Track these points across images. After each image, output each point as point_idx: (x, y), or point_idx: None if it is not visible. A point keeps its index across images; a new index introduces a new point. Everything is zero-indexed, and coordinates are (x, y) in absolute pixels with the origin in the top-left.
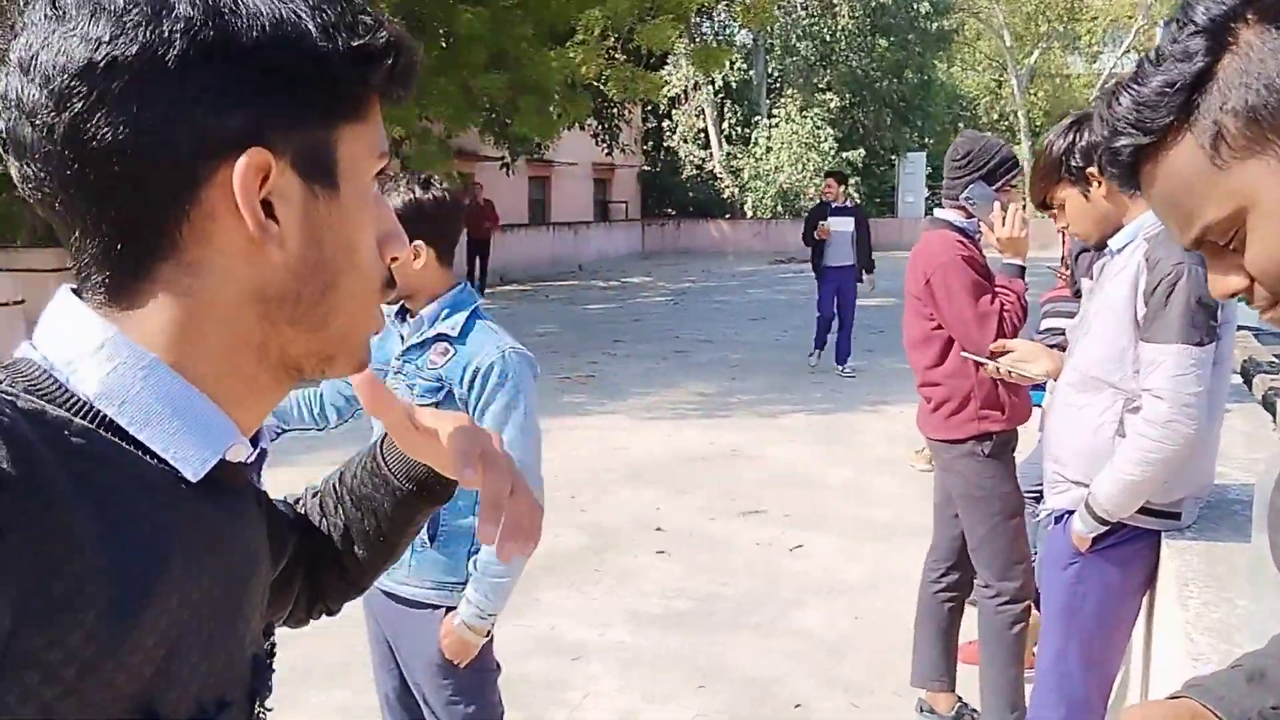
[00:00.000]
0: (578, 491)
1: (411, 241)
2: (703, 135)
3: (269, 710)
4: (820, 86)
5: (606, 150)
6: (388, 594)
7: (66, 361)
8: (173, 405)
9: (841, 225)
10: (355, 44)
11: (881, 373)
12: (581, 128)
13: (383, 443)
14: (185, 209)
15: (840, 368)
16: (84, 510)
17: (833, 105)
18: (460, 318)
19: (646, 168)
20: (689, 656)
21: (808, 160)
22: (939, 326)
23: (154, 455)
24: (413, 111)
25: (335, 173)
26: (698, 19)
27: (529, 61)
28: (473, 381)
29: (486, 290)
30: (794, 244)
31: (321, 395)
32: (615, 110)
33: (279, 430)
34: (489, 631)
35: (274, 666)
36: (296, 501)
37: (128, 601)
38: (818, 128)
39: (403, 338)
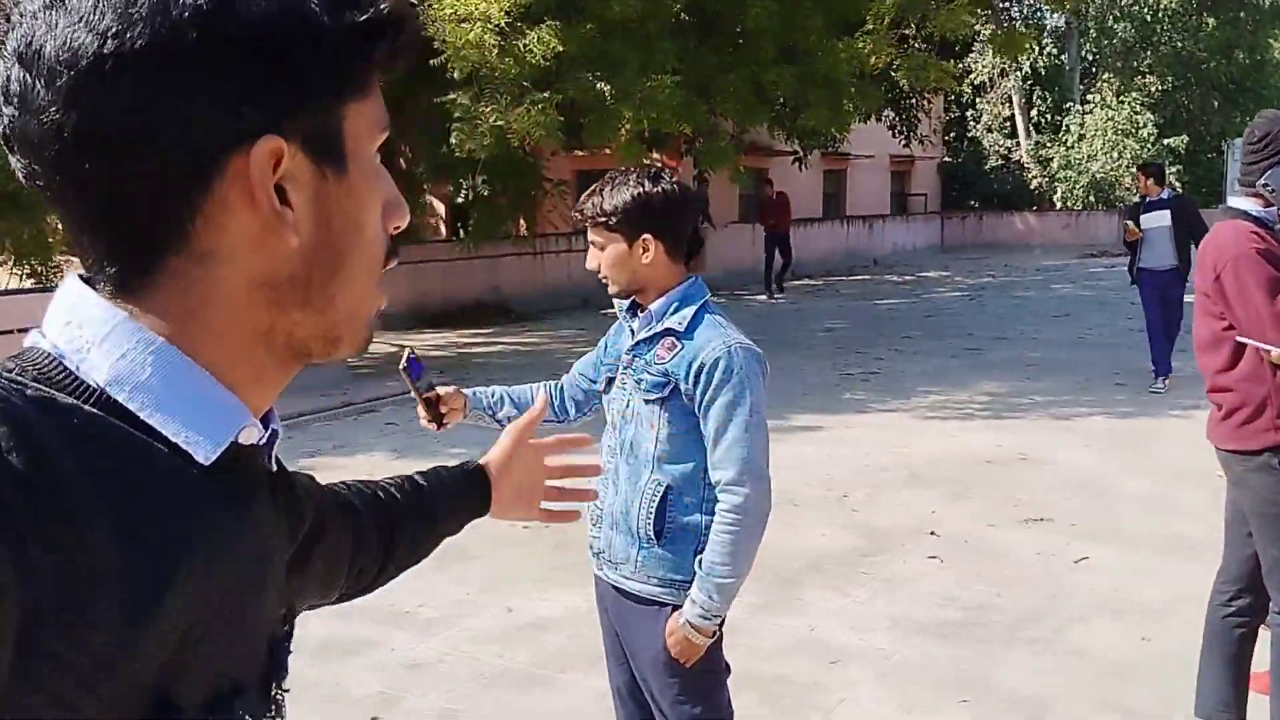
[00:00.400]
0: (850, 491)
1: (640, 236)
2: (1009, 124)
3: (286, 691)
4: (1139, 69)
5: (904, 142)
6: (616, 588)
7: (76, 350)
8: (183, 389)
9: (1155, 221)
10: (360, 19)
11: (1195, 377)
12: (877, 119)
13: (467, 471)
14: (198, 201)
15: (1157, 379)
16: (96, 502)
17: (1153, 89)
18: (689, 312)
19: (948, 159)
20: (954, 669)
21: (1124, 148)
22: (1230, 327)
23: (166, 441)
24: (700, 108)
25: (343, 152)
26: (1004, 3)
27: (818, 54)
28: (698, 377)
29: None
30: (1106, 237)
31: (562, 388)
32: (914, 101)
33: (510, 418)
34: (715, 632)
35: (290, 649)
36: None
37: (144, 593)
38: (1135, 113)
39: (633, 332)
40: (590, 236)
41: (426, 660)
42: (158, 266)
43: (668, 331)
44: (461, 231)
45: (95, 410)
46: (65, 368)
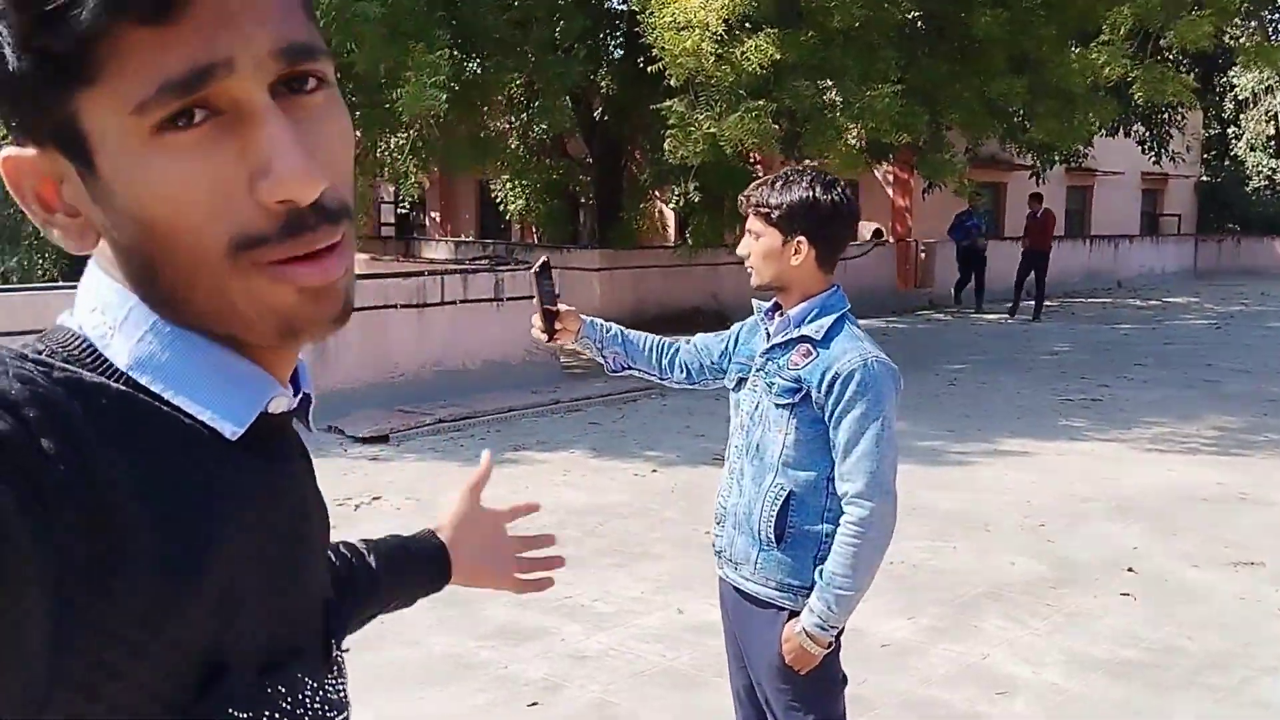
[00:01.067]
0: (1049, 520)
1: (795, 236)
2: (1274, 143)
3: (345, 651)
4: None
5: (1155, 159)
6: (735, 589)
7: (100, 334)
8: (203, 366)
9: None
10: (23, 19)
11: None
12: (1125, 134)
13: (422, 539)
14: None
15: None
16: (126, 475)
17: None
18: (827, 321)
19: (1206, 178)
20: (1127, 711)
21: None
22: None
23: (192, 419)
24: (921, 118)
25: (88, 150)
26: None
27: (1050, 64)
28: (830, 387)
29: (1000, 304)
30: None
31: (676, 349)
32: (1165, 115)
33: (624, 366)
34: (831, 643)
35: (340, 604)
36: None
37: (181, 559)
38: None
39: (768, 335)
40: (749, 224)
41: (592, 652)
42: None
43: (804, 339)
44: (688, 238)
45: (122, 388)
46: (93, 349)
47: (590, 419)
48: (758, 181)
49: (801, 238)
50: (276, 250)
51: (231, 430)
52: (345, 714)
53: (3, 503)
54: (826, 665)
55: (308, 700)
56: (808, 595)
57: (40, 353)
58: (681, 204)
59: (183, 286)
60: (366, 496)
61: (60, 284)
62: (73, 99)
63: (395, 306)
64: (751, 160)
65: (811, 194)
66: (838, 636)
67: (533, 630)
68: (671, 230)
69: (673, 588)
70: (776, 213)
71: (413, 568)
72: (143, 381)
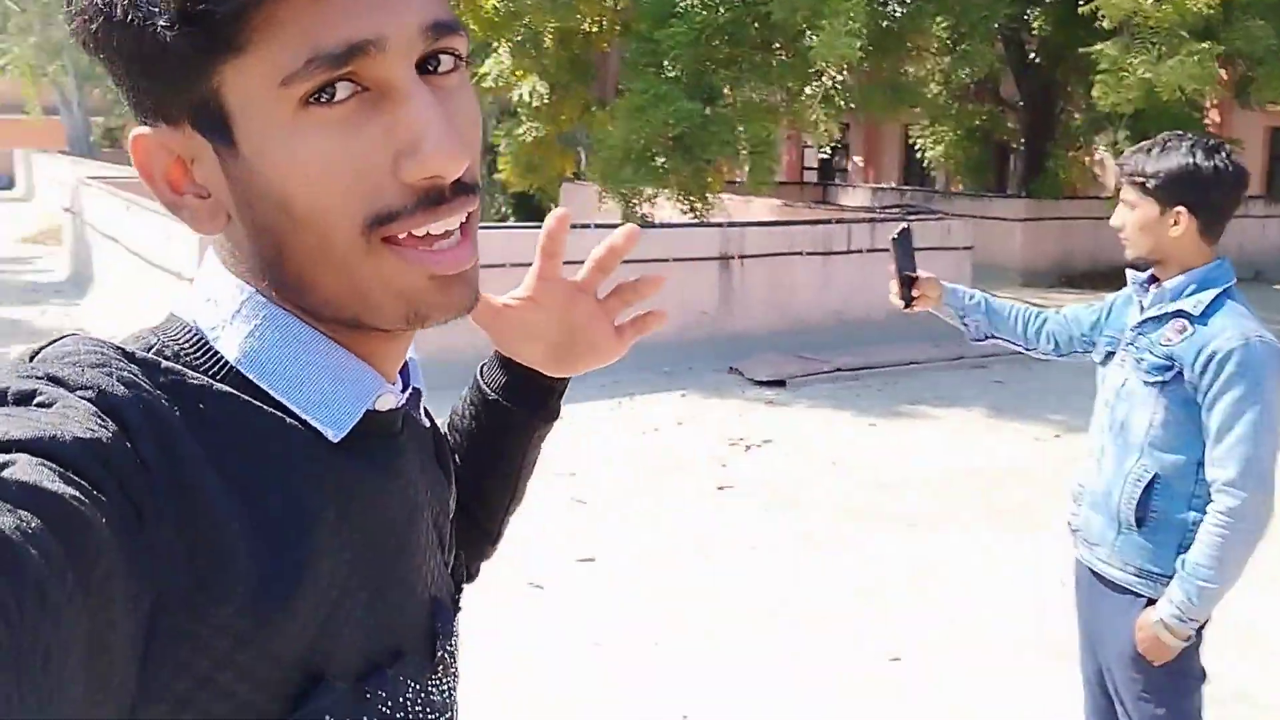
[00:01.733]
0: None
1: (1174, 207)
2: None
3: (453, 650)
4: None
5: None
6: (1091, 570)
7: (211, 326)
8: (311, 365)
9: None
10: None
11: None
12: None
13: (483, 366)
14: None
15: None
16: (223, 485)
17: None
18: (1207, 296)
19: None
20: None
21: None
22: None
23: (299, 417)
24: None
25: (228, 125)
26: None
27: None
28: (1205, 367)
29: None
30: None
31: (1044, 319)
32: None
33: (986, 334)
34: (1190, 636)
35: (459, 604)
36: None
37: (277, 572)
38: None
39: (1142, 307)
40: (1123, 194)
41: (964, 621)
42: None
43: (1180, 313)
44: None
45: (227, 388)
46: (203, 342)
47: (994, 376)
48: (1133, 148)
49: (1181, 208)
50: (411, 223)
51: (335, 434)
52: (450, 714)
53: (99, 516)
54: (1184, 658)
55: (408, 703)
56: (1167, 583)
57: (150, 348)
58: (1116, 153)
59: (311, 268)
60: (758, 439)
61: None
62: (220, 70)
63: (801, 254)
64: (1201, 106)
65: (1191, 160)
66: (1199, 630)
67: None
68: (1110, 181)
69: (1047, 563)
70: (1153, 181)
71: (497, 431)
72: (251, 376)
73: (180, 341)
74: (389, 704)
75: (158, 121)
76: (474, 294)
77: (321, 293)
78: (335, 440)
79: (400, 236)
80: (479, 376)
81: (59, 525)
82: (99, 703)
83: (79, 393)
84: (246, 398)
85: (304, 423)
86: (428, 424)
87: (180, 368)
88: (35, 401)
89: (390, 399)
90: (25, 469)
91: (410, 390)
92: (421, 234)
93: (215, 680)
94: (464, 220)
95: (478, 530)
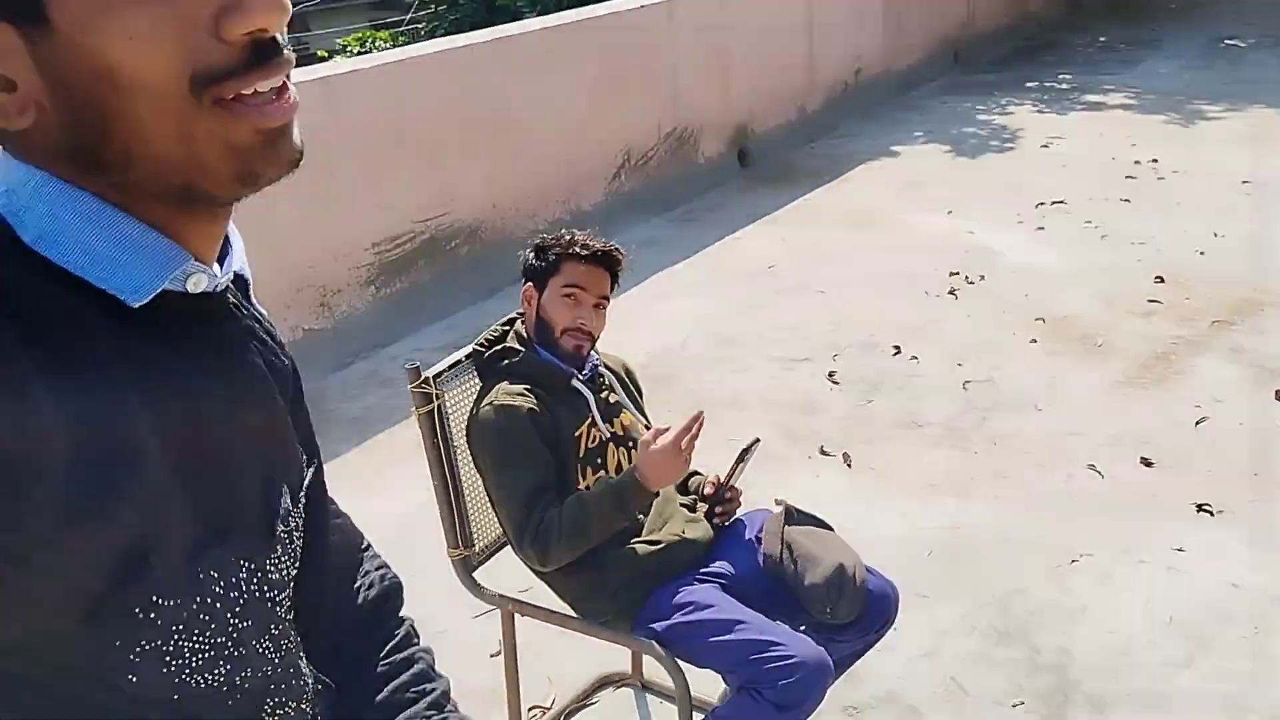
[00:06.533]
0: None
1: None
2: None
3: (293, 530)
4: None
5: None
6: None
7: (13, 212)
8: (110, 237)
9: None
10: None
11: None
12: None
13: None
14: None
15: None
16: (34, 367)
17: None
18: None
19: None
20: None
21: None
22: None
23: (102, 296)
24: None
25: (37, 5)
26: None
27: None
28: None
29: None
30: None
31: None
32: None
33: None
34: None
35: (300, 487)
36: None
37: (93, 451)
38: None
39: None
40: None
41: None
42: (5, 142)
43: None
44: None
45: (22, 273)
46: (5, 227)
47: None
48: None
49: None
50: (242, 82)
51: (135, 299)
52: (289, 590)
53: None
54: None
55: (242, 583)
56: None
57: None
58: None
59: (140, 137)
60: None
61: None
62: None
63: None
64: None
65: None
66: None
67: None
68: None
69: None
70: None
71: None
72: (48, 255)
73: None
74: (220, 583)
75: None
76: (297, 148)
77: (151, 163)
78: (135, 306)
79: (228, 97)
80: None
81: None
82: None
83: None
84: (44, 281)
85: (107, 299)
86: (262, 311)
87: None
88: None
89: (203, 280)
90: None
91: (228, 275)
92: (249, 92)
93: (30, 558)
94: (286, 79)
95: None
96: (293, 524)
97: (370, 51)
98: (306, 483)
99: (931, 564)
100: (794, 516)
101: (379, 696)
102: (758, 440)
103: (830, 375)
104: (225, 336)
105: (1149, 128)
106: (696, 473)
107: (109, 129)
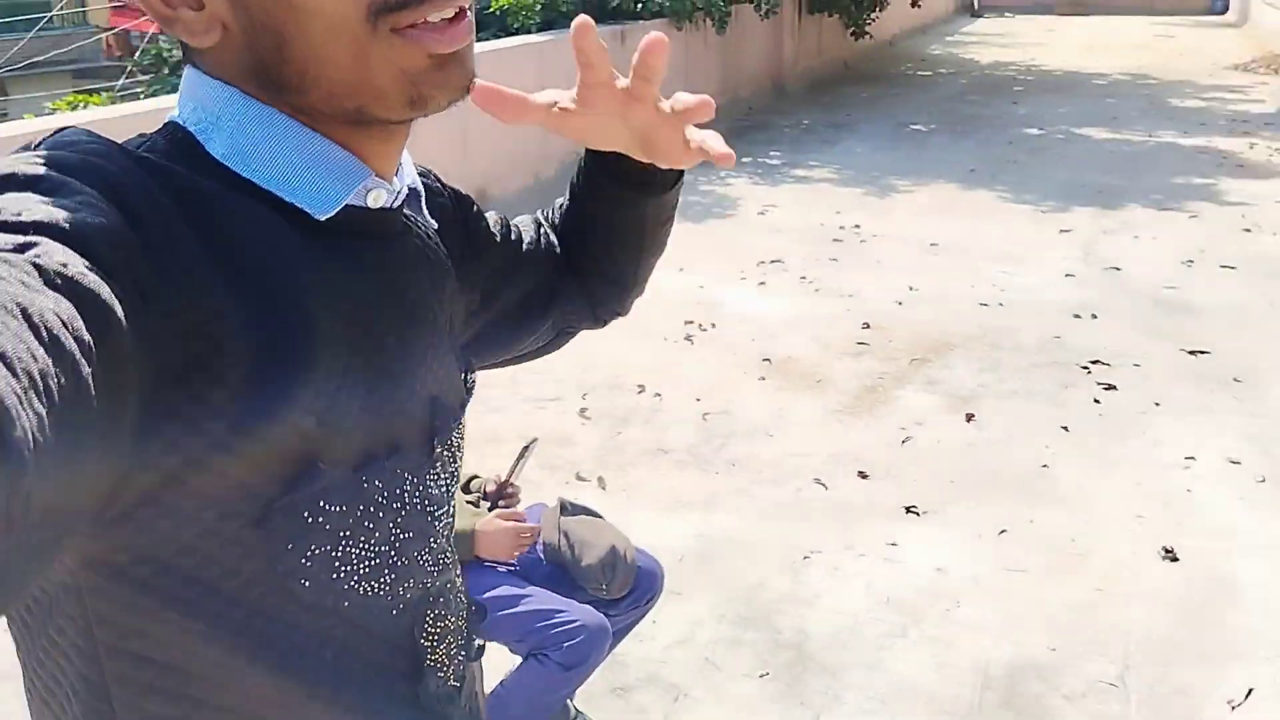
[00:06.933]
0: None
1: None
2: None
3: (454, 450)
4: None
5: None
6: None
7: (201, 130)
8: (296, 154)
9: None
10: None
11: None
12: None
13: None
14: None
15: None
16: (219, 273)
17: None
18: None
19: None
20: None
21: None
22: None
23: (287, 208)
24: None
25: None
26: None
27: None
28: None
29: None
30: None
31: None
32: None
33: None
34: None
35: (463, 406)
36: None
37: (272, 359)
38: None
39: None
40: None
41: None
42: (191, 58)
43: None
44: None
45: (214, 184)
46: (192, 143)
47: None
48: None
49: None
50: (414, 13)
51: (322, 212)
52: (447, 508)
53: (114, 300)
54: None
55: (405, 495)
56: None
57: (140, 147)
58: None
59: (315, 61)
60: None
61: None
62: None
63: None
64: None
65: None
66: None
67: None
68: None
69: None
70: None
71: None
72: (237, 169)
73: (170, 142)
74: (384, 493)
75: None
76: (469, 74)
77: (326, 86)
78: (322, 219)
79: (403, 25)
80: (580, 164)
81: (87, 309)
82: (87, 470)
83: (83, 179)
84: (234, 193)
85: (293, 211)
86: (434, 225)
87: (169, 164)
88: (42, 186)
89: (383, 195)
90: (53, 252)
91: (404, 191)
92: (422, 20)
93: (207, 461)
94: (465, 8)
95: (614, 282)
96: (454, 442)
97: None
98: (467, 403)
99: (683, 567)
100: (568, 509)
101: None
102: (536, 440)
103: (581, 411)
104: (400, 251)
105: (850, 198)
106: (476, 476)
107: (286, 51)
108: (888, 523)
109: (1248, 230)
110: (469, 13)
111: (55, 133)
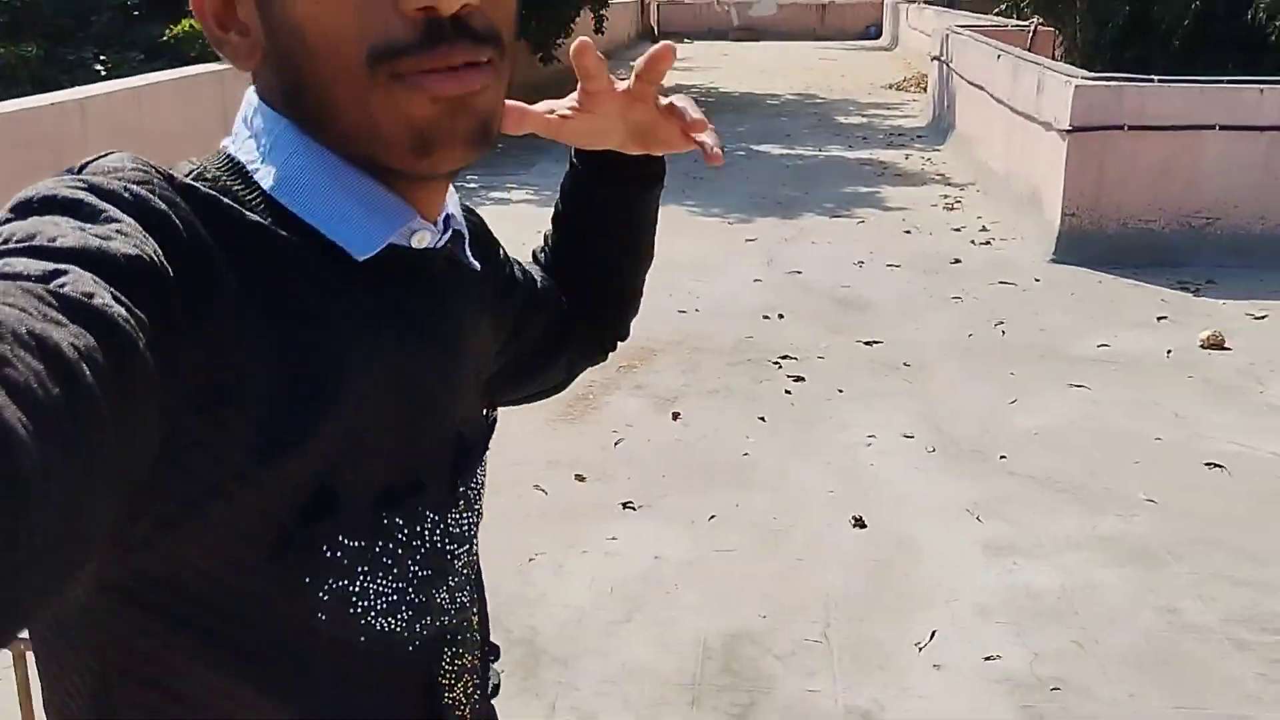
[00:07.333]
0: None
1: None
2: None
3: (477, 489)
4: None
5: None
6: None
7: (250, 157)
8: (342, 191)
9: None
10: None
11: None
12: None
13: (573, 152)
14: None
15: None
16: (252, 306)
17: None
18: None
19: None
20: None
21: None
22: None
23: (329, 244)
24: None
25: None
26: None
27: None
28: None
29: None
30: None
31: None
32: None
33: None
34: None
35: (485, 445)
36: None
37: (299, 393)
38: None
39: None
40: None
41: None
42: (251, 79)
43: None
44: None
45: (257, 218)
46: (241, 170)
47: None
48: None
49: None
50: (414, 62)
51: (362, 253)
52: (468, 547)
53: (141, 332)
54: None
55: (425, 533)
56: None
57: (189, 174)
58: None
59: (327, 100)
60: None
61: None
62: None
63: None
64: None
65: None
66: None
67: None
68: None
69: None
70: None
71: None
72: (283, 202)
73: (222, 169)
74: (405, 531)
75: None
76: (482, 127)
77: (339, 125)
78: (360, 259)
79: (404, 71)
80: (573, 158)
81: (108, 341)
82: (106, 495)
83: (123, 207)
84: (276, 226)
85: (333, 248)
86: (478, 267)
87: (215, 193)
88: (81, 212)
89: (426, 236)
90: (80, 281)
91: (448, 233)
92: (423, 69)
93: (226, 489)
94: (482, 62)
95: (613, 298)
96: (477, 481)
97: None
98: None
99: None
100: None
101: None
102: None
103: None
104: (440, 291)
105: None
106: None
107: (304, 86)
108: (606, 520)
109: (908, 232)
110: (493, 64)
111: (100, 156)
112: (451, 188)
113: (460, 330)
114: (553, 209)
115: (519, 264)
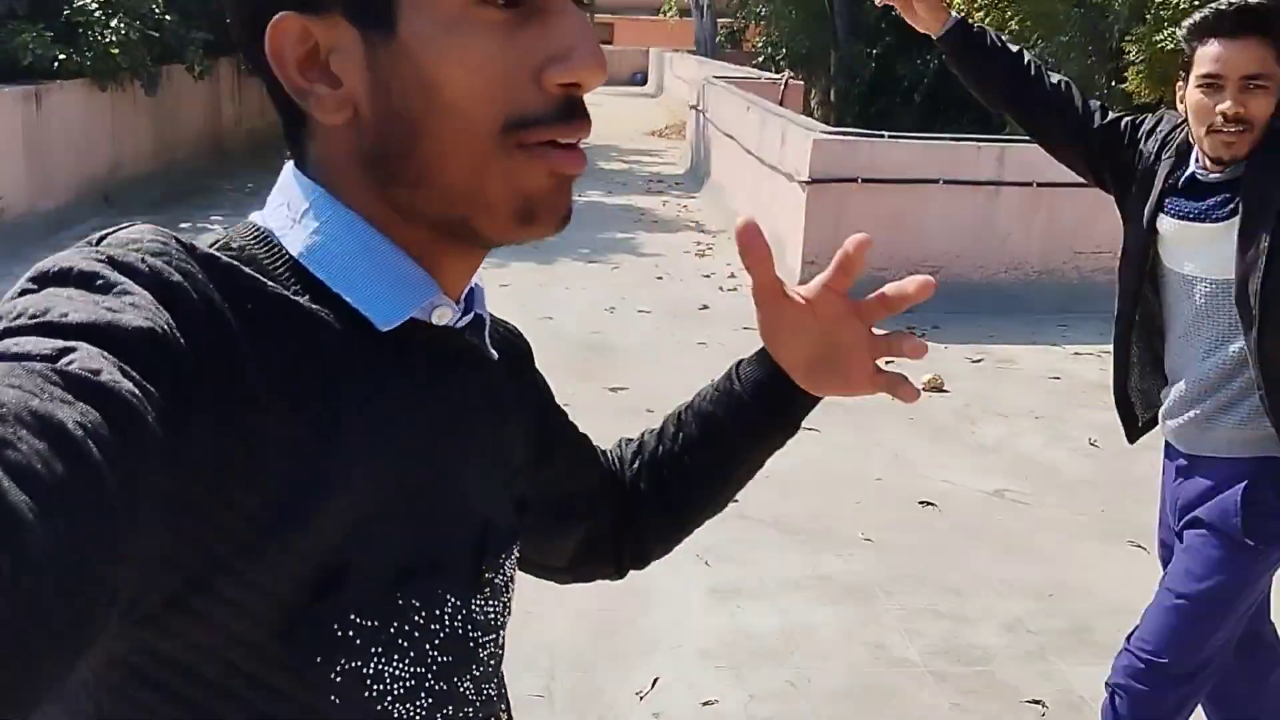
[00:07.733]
0: None
1: None
2: None
3: (505, 577)
4: None
5: None
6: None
7: (281, 228)
8: (370, 262)
9: None
10: None
11: None
12: None
13: (740, 360)
14: (274, 79)
15: None
16: (267, 380)
17: None
18: None
19: None
20: None
21: None
22: None
23: (352, 314)
24: None
25: (390, 13)
26: None
27: None
28: None
29: None
30: None
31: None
32: None
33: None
34: None
35: (516, 536)
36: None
37: (311, 468)
38: None
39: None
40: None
41: None
42: (297, 141)
43: None
44: None
45: (279, 288)
46: (270, 240)
47: None
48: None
49: None
50: (548, 131)
51: (383, 322)
52: (494, 636)
53: (150, 409)
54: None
55: (446, 617)
56: None
57: (214, 244)
58: None
59: (440, 159)
60: None
61: None
62: None
63: None
64: None
65: None
66: None
67: None
68: None
69: None
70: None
71: (735, 415)
72: (310, 269)
73: (247, 239)
74: (423, 613)
75: (305, 10)
76: (571, 207)
77: (441, 188)
78: (383, 330)
79: (530, 141)
80: (733, 368)
81: (117, 419)
82: (112, 576)
83: (138, 279)
84: (299, 294)
85: (356, 316)
86: (495, 355)
87: (236, 263)
88: (96, 284)
89: (447, 313)
90: (88, 358)
91: (471, 315)
92: (549, 141)
93: (233, 565)
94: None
95: (672, 521)
96: (505, 570)
97: None
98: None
99: None
100: None
101: None
102: None
103: None
104: (459, 370)
105: None
106: None
107: (413, 144)
108: None
109: (660, 278)
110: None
111: (121, 228)
112: (483, 287)
113: (477, 411)
114: (694, 402)
115: (560, 408)
